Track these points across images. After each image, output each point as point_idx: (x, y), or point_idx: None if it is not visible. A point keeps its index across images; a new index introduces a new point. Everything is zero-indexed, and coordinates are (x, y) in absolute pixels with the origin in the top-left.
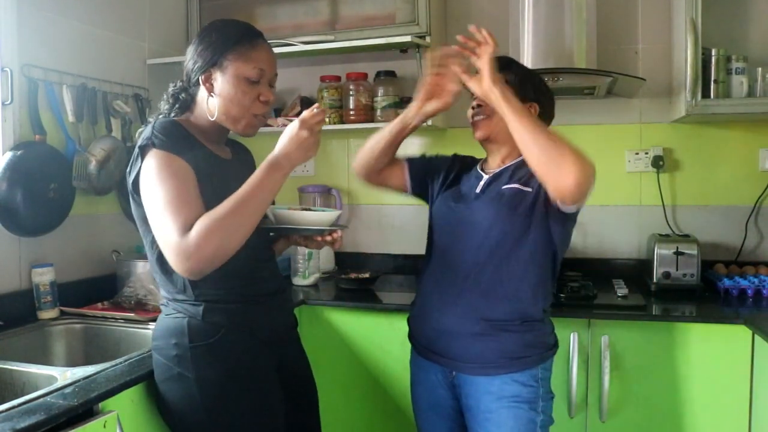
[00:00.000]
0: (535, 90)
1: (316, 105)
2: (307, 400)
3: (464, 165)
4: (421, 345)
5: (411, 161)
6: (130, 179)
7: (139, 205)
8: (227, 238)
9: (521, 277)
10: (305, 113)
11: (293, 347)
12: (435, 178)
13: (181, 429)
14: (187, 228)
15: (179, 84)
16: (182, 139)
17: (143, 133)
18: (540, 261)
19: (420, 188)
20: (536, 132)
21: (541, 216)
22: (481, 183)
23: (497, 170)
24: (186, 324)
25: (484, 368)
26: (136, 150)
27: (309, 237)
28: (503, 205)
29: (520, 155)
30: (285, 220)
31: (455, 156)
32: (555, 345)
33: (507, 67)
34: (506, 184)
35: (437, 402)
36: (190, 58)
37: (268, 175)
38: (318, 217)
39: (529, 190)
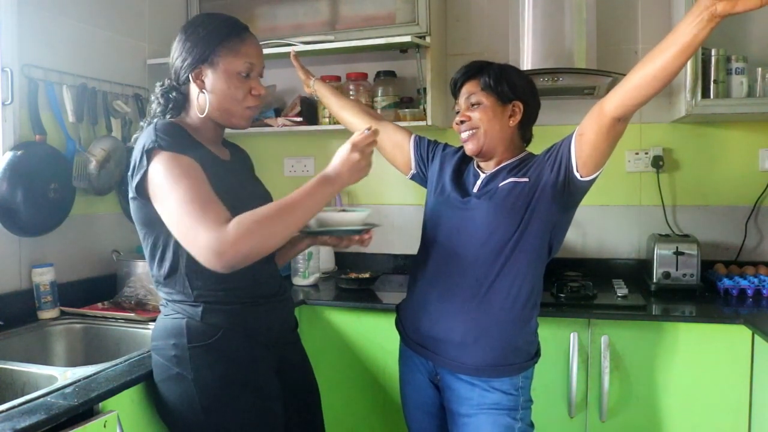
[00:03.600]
0: (513, 88)
1: (368, 127)
2: (310, 401)
3: (464, 158)
4: (410, 338)
5: (417, 140)
6: (134, 182)
7: (142, 207)
8: (266, 240)
9: (518, 278)
10: (356, 136)
11: (294, 348)
12: (435, 164)
13: (178, 429)
14: (220, 222)
15: (168, 83)
16: (186, 139)
17: (145, 137)
18: (536, 261)
19: (420, 170)
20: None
21: (542, 206)
22: (478, 182)
23: (494, 170)
24: (185, 325)
25: (465, 369)
26: (140, 153)
27: (343, 237)
28: (500, 203)
29: (514, 156)
30: (325, 221)
31: (457, 148)
32: (537, 353)
33: (481, 71)
34: (502, 181)
35: (425, 401)
36: (177, 56)
37: (319, 187)
38: (356, 217)
39: (525, 180)
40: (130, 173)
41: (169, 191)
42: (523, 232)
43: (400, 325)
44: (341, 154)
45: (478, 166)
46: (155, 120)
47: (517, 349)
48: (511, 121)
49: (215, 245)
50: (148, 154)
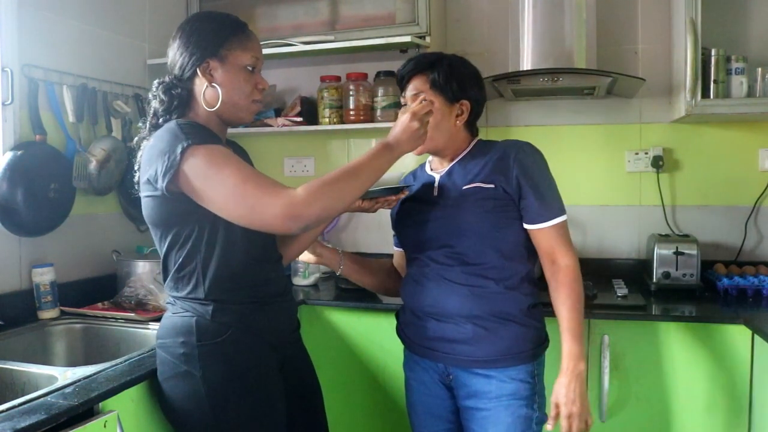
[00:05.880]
0: (462, 87)
1: (423, 96)
2: (313, 402)
3: (413, 178)
4: (416, 344)
5: (397, 242)
6: (165, 181)
7: (166, 205)
8: (334, 201)
9: (508, 261)
10: (414, 106)
11: (296, 348)
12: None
13: (185, 426)
14: (284, 188)
15: (168, 79)
16: (211, 134)
17: (168, 137)
18: (522, 252)
19: None
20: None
21: (510, 206)
22: (436, 184)
23: (448, 167)
24: (194, 323)
25: (480, 363)
26: (170, 153)
27: (378, 199)
28: (469, 205)
29: (463, 149)
30: None
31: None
32: (547, 339)
33: (433, 65)
34: (466, 183)
35: (436, 404)
36: (183, 52)
37: (380, 154)
38: (394, 175)
39: (491, 186)
40: (153, 173)
41: (219, 178)
42: (501, 225)
43: (401, 332)
44: (401, 122)
45: (431, 168)
46: (161, 119)
47: (527, 334)
48: (458, 121)
49: (290, 210)
50: (183, 151)
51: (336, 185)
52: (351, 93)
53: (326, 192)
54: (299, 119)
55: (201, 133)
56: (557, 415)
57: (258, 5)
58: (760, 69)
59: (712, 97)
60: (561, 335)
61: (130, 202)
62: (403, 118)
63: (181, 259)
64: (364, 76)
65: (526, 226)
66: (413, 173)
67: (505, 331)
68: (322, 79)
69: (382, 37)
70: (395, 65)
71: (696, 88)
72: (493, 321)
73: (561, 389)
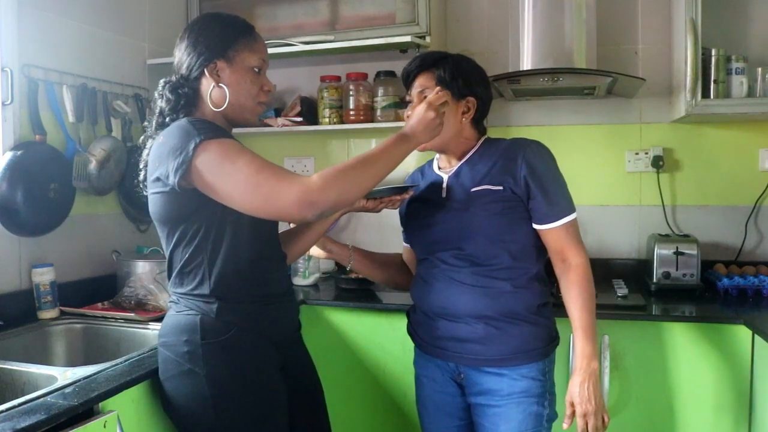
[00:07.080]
0: (467, 84)
1: (438, 88)
2: (315, 402)
3: (420, 176)
4: (427, 344)
5: (406, 239)
6: (177, 176)
7: (175, 201)
8: (350, 188)
9: (518, 261)
10: (430, 97)
11: (297, 348)
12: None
13: (187, 425)
14: (299, 176)
15: (175, 79)
16: (221, 129)
17: (178, 133)
18: (531, 252)
19: None
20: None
21: (520, 207)
22: (444, 185)
23: (456, 167)
24: (199, 321)
25: (492, 362)
26: (184, 148)
27: (384, 198)
28: (478, 208)
29: (471, 147)
30: None
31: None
32: (557, 336)
33: (439, 62)
34: (474, 185)
35: (446, 400)
36: (191, 52)
37: (396, 144)
38: (401, 174)
39: (500, 188)
40: (167, 169)
41: (233, 170)
42: (509, 227)
43: (413, 332)
44: (417, 113)
45: (438, 167)
46: (167, 118)
47: (538, 332)
48: (464, 118)
49: (306, 196)
50: (195, 147)
51: (352, 172)
52: (351, 93)
53: (342, 179)
54: (299, 119)
55: (213, 129)
56: (573, 414)
57: (258, 5)
58: (760, 69)
59: (712, 97)
60: (573, 334)
61: (130, 202)
62: (419, 108)
63: (187, 256)
64: (364, 76)
65: (535, 226)
66: (420, 170)
67: (516, 330)
68: (322, 79)
69: (382, 37)
70: (395, 65)
71: (696, 88)
72: (504, 320)
73: (575, 388)
